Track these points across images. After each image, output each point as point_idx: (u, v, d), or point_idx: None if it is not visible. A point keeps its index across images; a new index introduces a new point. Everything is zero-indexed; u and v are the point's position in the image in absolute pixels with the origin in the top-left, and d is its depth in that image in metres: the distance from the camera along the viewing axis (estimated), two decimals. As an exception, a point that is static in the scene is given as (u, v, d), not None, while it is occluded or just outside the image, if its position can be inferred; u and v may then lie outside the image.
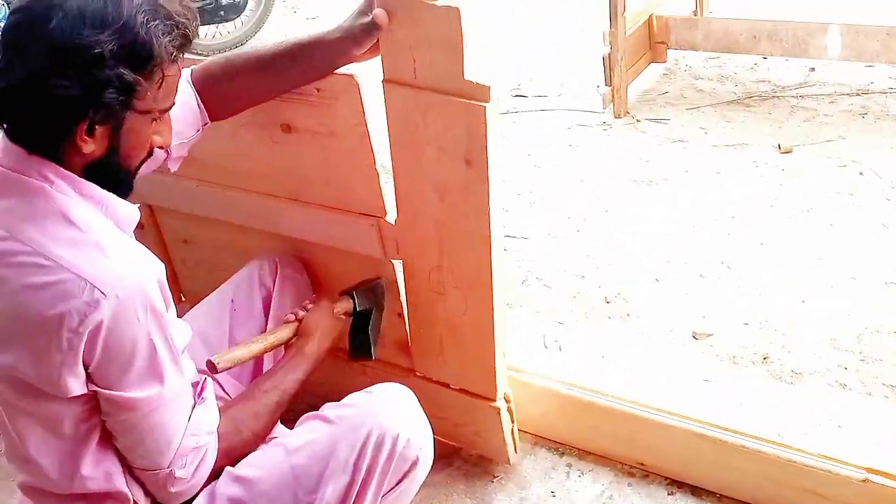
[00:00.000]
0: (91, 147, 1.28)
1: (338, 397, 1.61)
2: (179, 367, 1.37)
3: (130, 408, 1.31)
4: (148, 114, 1.33)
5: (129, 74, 1.24)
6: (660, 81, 4.10)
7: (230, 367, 1.61)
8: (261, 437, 1.56)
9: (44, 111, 1.24)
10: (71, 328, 1.21)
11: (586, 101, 3.97)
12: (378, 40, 1.66)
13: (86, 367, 1.26)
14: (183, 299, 2.38)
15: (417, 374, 2.02)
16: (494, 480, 2.04)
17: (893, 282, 2.62)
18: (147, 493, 1.45)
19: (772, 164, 3.32)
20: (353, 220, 1.87)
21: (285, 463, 1.51)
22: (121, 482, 1.41)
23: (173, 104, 1.39)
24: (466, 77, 1.59)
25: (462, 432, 2.03)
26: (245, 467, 1.53)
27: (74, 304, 1.21)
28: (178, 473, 1.39)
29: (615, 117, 3.79)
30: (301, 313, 1.75)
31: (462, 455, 2.09)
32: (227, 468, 1.53)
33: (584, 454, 2.06)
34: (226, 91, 1.70)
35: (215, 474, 1.48)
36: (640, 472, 2.00)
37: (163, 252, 2.19)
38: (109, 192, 1.37)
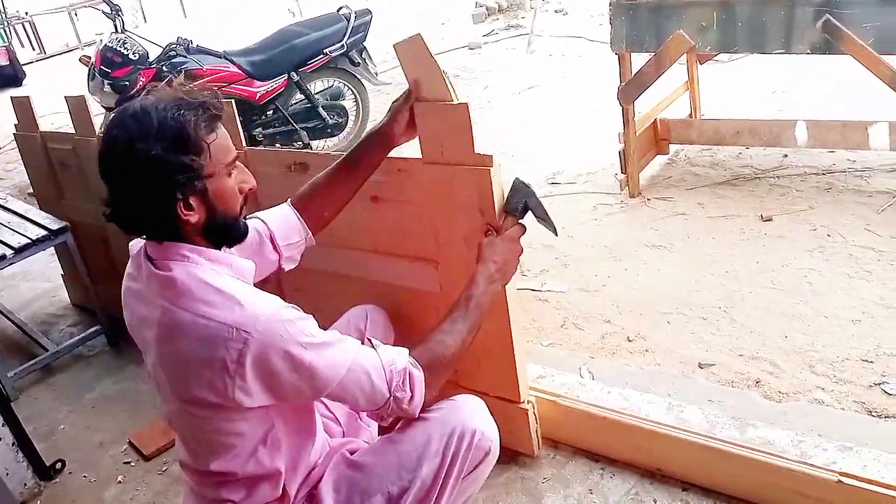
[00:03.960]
0: (196, 216, 1.35)
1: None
2: (337, 339, 1.39)
3: (326, 384, 1.35)
4: (216, 175, 1.36)
5: (183, 157, 1.29)
6: (664, 169, 4.08)
7: None
8: (458, 351, 1.51)
9: (147, 210, 1.33)
10: (233, 360, 1.27)
11: (607, 186, 3.97)
12: (416, 127, 1.81)
13: (272, 387, 1.32)
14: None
15: (461, 385, 2.02)
16: (544, 482, 2.01)
17: (859, 319, 2.55)
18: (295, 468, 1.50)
19: (756, 230, 3.26)
20: (421, 265, 1.98)
21: (391, 450, 1.53)
22: (280, 464, 1.46)
23: (236, 156, 1.41)
24: (476, 151, 1.74)
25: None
26: (360, 455, 1.58)
27: (230, 344, 1.27)
28: (399, 395, 1.42)
29: (630, 197, 3.77)
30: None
31: (518, 462, 2.07)
32: (345, 456, 1.59)
33: (613, 461, 2.02)
34: (317, 203, 1.79)
35: (436, 386, 1.49)
36: (658, 475, 1.96)
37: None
38: (229, 247, 1.45)
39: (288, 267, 1.78)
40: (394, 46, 1.76)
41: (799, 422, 2.07)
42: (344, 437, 1.78)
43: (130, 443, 2.54)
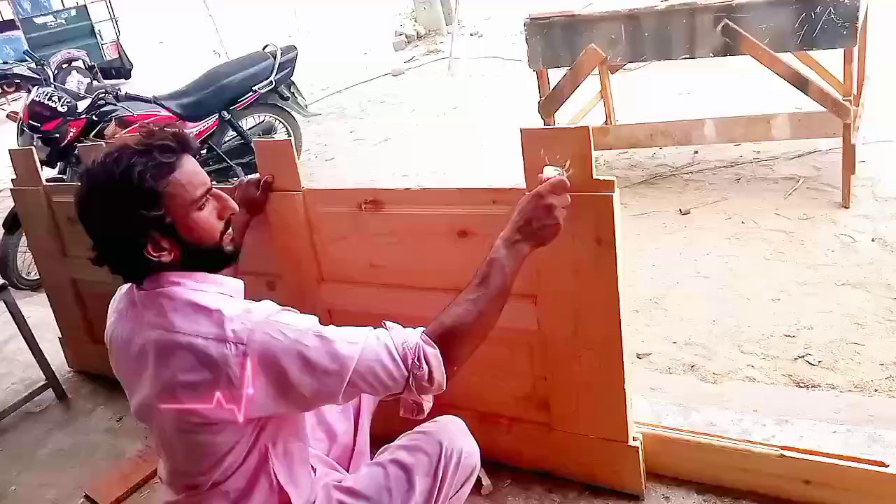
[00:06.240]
0: (168, 256, 1.31)
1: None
2: (341, 331, 1.29)
3: (340, 376, 1.26)
4: (181, 215, 1.30)
5: (138, 210, 1.26)
6: (587, 174, 4.14)
7: None
8: (476, 320, 1.33)
9: (120, 256, 1.32)
10: (236, 375, 1.22)
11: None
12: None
13: (286, 392, 1.25)
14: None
15: (556, 429, 1.85)
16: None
17: (778, 298, 2.64)
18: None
19: (677, 223, 3.35)
20: (515, 300, 1.54)
21: (380, 474, 1.50)
22: (268, 472, 1.38)
23: (207, 189, 1.34)
24: (595, 176, 1.53)
25: (601, 472, 1.84)
26: (350, 481, 1.54)
27: (231, 360, 1.22)
28: (417, 372, 1.28)
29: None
30: None
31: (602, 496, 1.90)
32: (336, 484, 1.52)
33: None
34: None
35: (458, 359, 1.32)
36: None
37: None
38: (217, 271, 1.38)
39: None
40: (253, 144, 1.75)
41: (736, 400, 2.12)
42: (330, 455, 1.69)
43: (87, 496, 2.42)
